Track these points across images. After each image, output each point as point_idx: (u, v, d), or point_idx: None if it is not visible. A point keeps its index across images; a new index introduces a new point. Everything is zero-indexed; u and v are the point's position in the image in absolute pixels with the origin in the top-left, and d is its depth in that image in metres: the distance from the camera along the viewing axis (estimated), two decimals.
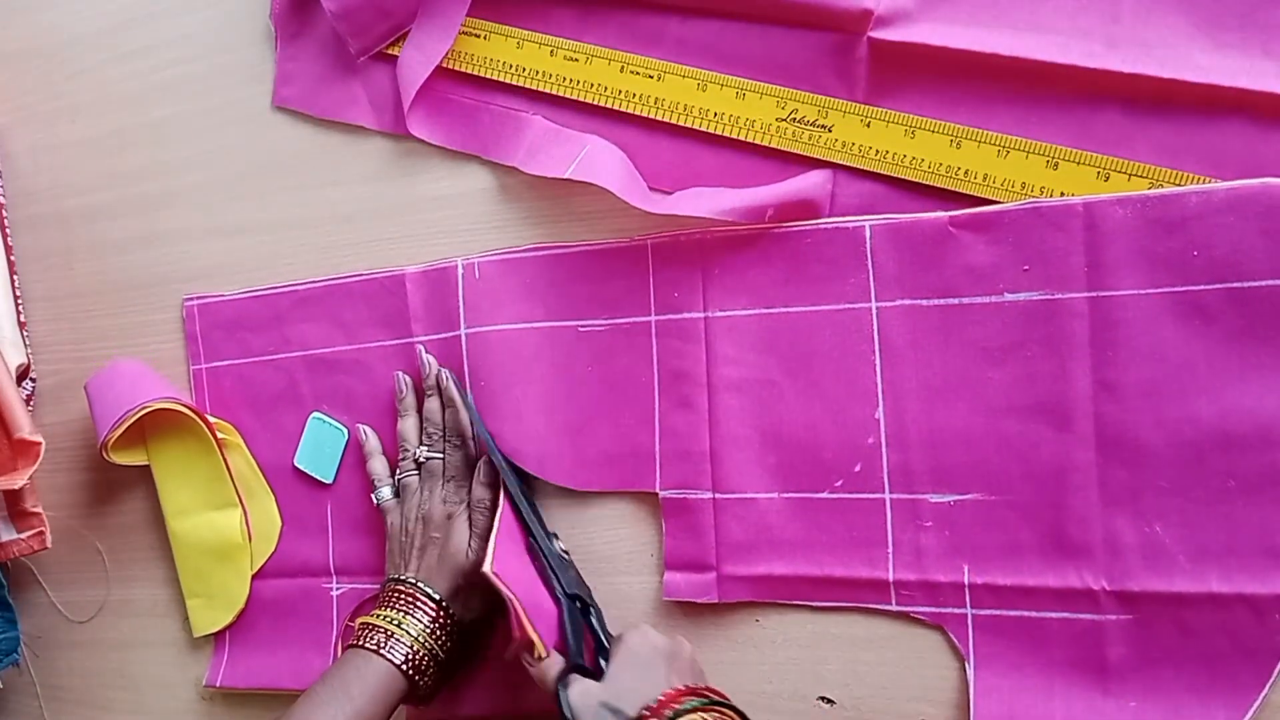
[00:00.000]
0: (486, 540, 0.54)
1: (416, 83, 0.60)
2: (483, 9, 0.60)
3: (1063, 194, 0.50)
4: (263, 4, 0.65)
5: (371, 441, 0.62)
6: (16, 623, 0.70)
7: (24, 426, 0.62)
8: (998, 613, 0.51)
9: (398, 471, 0.60)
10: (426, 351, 0.60)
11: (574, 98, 0.58)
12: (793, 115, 0.54)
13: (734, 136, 0.55)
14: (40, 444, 0.62)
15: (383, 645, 0.53)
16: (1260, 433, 0.47)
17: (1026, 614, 0.51)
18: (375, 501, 0.60)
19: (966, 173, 0.52)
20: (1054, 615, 0.50)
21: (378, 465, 0.61)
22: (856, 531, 0.53)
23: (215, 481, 0.65)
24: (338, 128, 0.64)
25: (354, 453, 0.64)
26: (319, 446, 0.64)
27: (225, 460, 0.65)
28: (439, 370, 0.60)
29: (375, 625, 0.54)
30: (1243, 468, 0.47)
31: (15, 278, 0.72)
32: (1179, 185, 0.48)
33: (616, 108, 0.57)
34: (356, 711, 0.51)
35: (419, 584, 0.55)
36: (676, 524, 0.56)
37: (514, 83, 0.59)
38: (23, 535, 0.65)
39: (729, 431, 0.55)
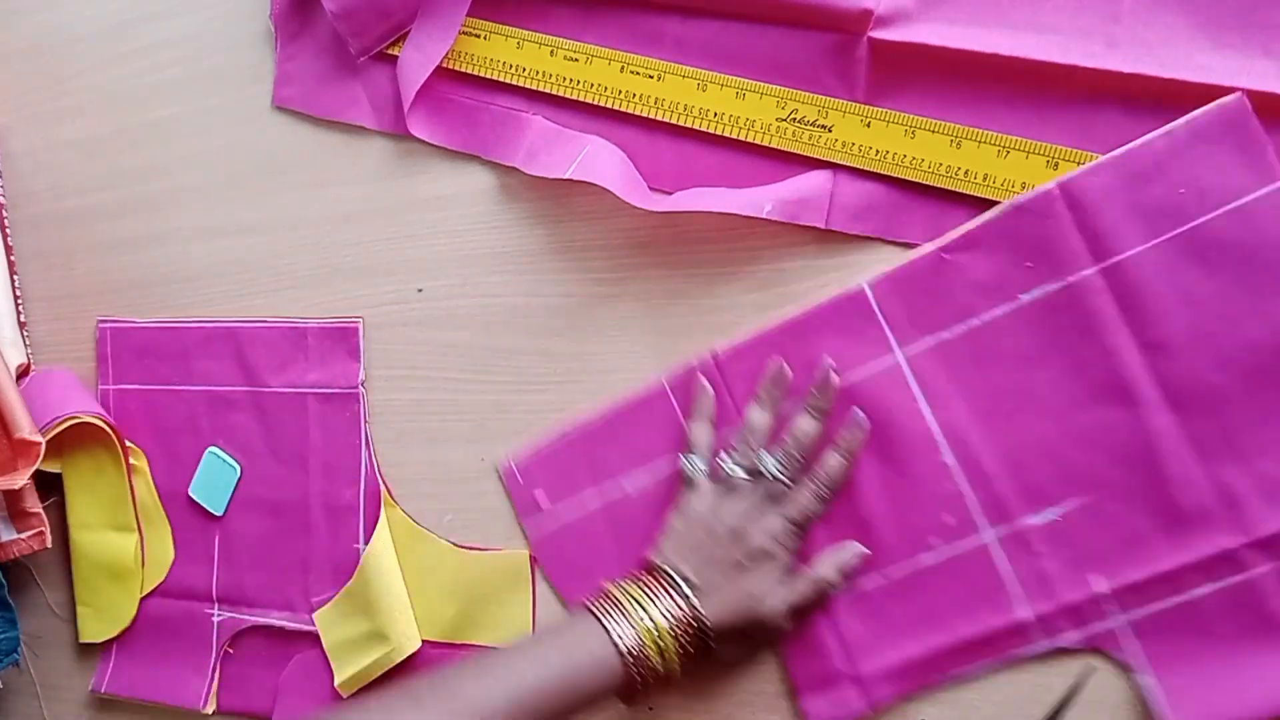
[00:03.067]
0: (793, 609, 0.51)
1: (416, 83, 0.59)
2: (483, 9, 0.60)
3: None
4: (263, 4, 0.65)
5: (706, 403, 0.55)
6: (16, 623, 0.70)
7: (24, 426, 0.62)
8: (1148, 610, 0.49)
9: (725, 457, 0.53)
10: (835, 371, 0.53)
11: (574, 98, 0.58)
12: (793, 115, 0.54)
13: (734, 136, 0.55)
14: (40, 444, 0.62)
15: (609, 615, 0.49)
16: None
17: (1176, 600, 0.48)
18: (683, 467, 0.54)
19: (966, 173, 0.51)
20: (1204, 590, 0.48)
21: (701, 433, 0.55)
22: (974, 584, 0.51)
23: (119, 504, 0.68)
24: (338, 128, 0.64)
25: (244, 488, 0.66)
26: (212, 479, 0.67)
27: (132, 486, 0.67)
28: (830, 379, 0.53)
29: (616, 601, 0.50)
30: None
31: (15, 278, 0.72)
32: None
33: (616, 108, 0.57)
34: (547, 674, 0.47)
35: (693, 596, 0.50)
36: (792, 644, 0.54)
37: (514, 83, 0.59)
38: (23, 535, 0.65)
39: (812, 530, 0.53)
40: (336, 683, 0.63)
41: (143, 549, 0.68)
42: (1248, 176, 0.47)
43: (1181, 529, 0.48)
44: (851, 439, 0.52)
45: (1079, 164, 0.50)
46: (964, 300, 0.51)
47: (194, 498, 0.68)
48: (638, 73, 0.57)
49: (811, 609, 0.53)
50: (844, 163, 0.53)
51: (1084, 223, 0.49)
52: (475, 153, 0.61)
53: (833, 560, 0.52)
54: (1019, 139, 0.51)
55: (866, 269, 0.54)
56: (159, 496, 0.69)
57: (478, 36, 0.60)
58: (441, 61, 0.60)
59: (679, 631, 0.50)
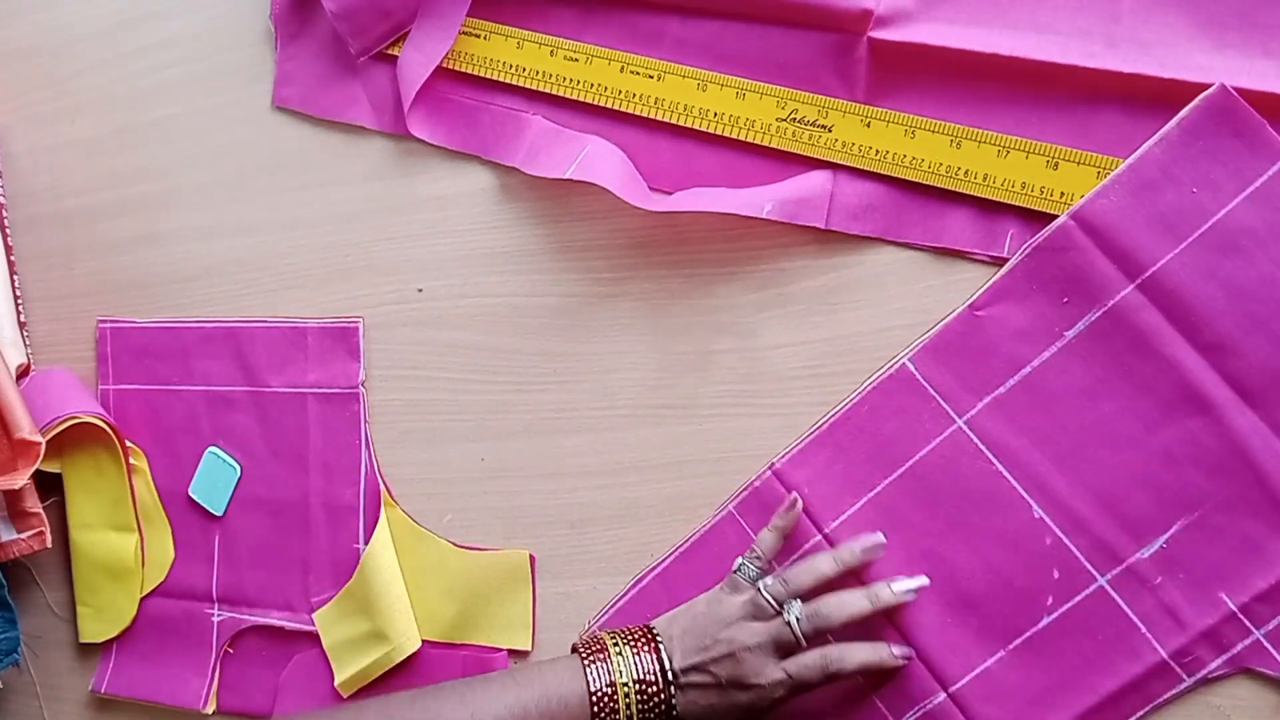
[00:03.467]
0: None
1: (416, 83, 0.60)
2: (483, 9, 0.60)
3: (1062, 194, 0.50)
4: (263, 4, 0.65)
5: (787, 518, 0.54)
6: (16, 623, 0.70)
7: (24, 426, 0.62)
8: None
9: (769, 579, 0.52)
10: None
11: (574, 98, 0.58)
12: (793, 115, 0.54)
13: (734, 136, 0.55)
14: (40, 444, 0.62)
15: (590, 659, 0.51)
16: None
17: None
18: (740, 569, 0.53)
19: (966, 173, 0.51)
20: None
21: (767, 541, 0.53)
22: (1101, 634, 0.49)
23: (119, 504, 0.68)
24: (338, 128, 0.64)
25: (244, 488, 0.66)
26: (212, 479, 0.67)
27: (132, 486, 0.67)
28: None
29: (603, 643, 0.52)
30: None
31: (15, 278, 0.72)
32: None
33: (616, 108, 0.57)
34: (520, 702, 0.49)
35: (672, 685, 0.50)
36: None
37: (514, 83, 0.59)
38: (23, 535, 0.65)
39: (919, 623, 0.52)
40: (336, 683, 0.63)
41: (143, 549, 0.68)
42: (1255, 159, 0.46)
43: None
44: (881, 648, 0.51)
45: (1079, 164, 0.50)
46: (1009, 352, 0.51)
47: (194, 498, 0.67)
48: (638, 73, 0.57)
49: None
50: (844, 163, 0.53)
51: (1108, 246, 0.49)
52: (475, 153, 0.61)
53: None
54: (1019, 139, 0.51)
55: (866, 269, 0.54)
56: (159, 496, 0.68)
57: (478, 36, 0.60)
58: (441, 61, 0.60)
59: (646, 698, 0.50)
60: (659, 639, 0.52)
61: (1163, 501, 0.49)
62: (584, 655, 0.52)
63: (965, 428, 0.52)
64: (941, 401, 0.52)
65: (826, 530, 0.54)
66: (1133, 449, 0.49)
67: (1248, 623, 0.48)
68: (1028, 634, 0.51)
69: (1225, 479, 0.48)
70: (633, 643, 0.52)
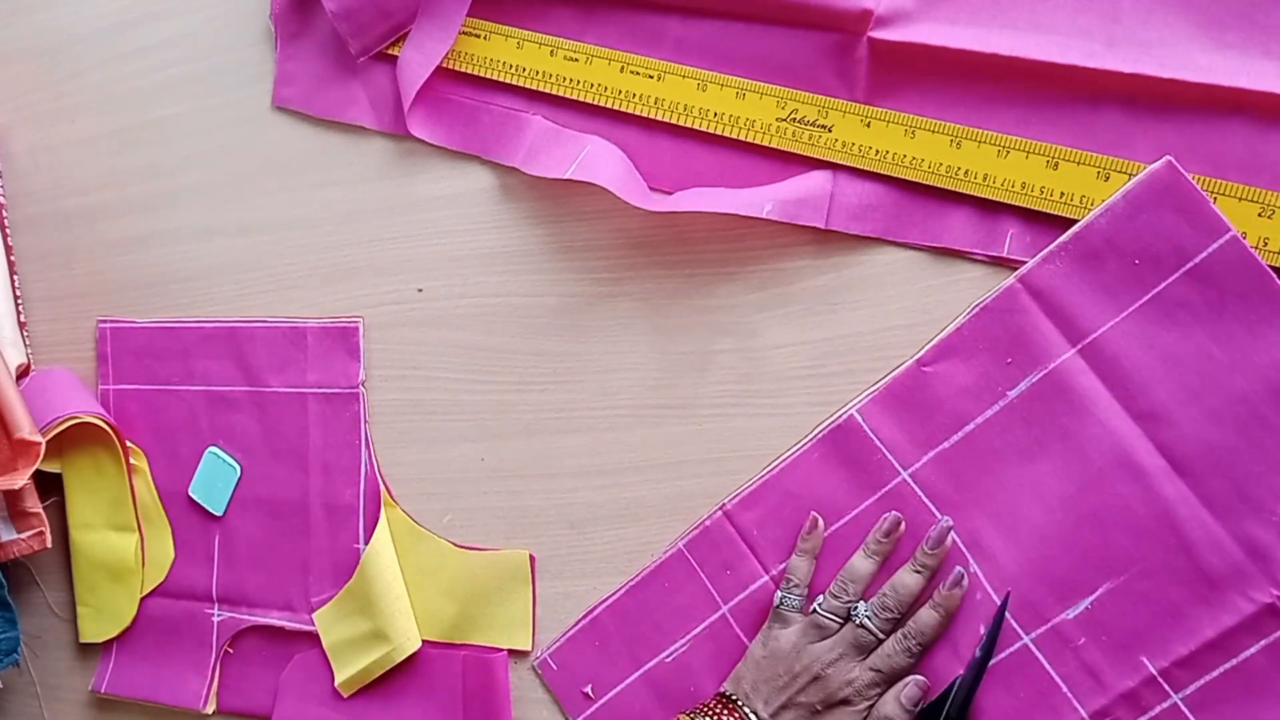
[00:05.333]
0: None
1: (416, 83, 0.60)
2: (483, 9, 0.60)
3: (1062, 194, 0.50)
4: (263, 4, 0.65)
5: (813, 539, 0.54)
6: (16, 623, 0.70)
7: (24, 426, 0.62)
8: (1202, 681, 0.48)
9: (820, 599, 0.52)
10: (953, 532, 0.52)
11: (574, 98, 0.58)
12: (793, 115, 0.54)
13: (734, 136, 0.55)
14: (40, 444, 0.62)
15: None
16: None
17: (1226, 665, 0.48)
18: (777, 599, 0.53)
19: (966, 173, 0.51)
20: (1251, 650, 0.47)
21: (801, 567, 0.53)
22: (1024, 692, 0.50)
23: (119, 504, 0.68)
24: (338, 128, 0.64)
25: (244, 488, 0.66)
26: (212, 479, 0.67)
27: (132, 486, 0.67)
28: (945, 540, 0.51)
29: None
30: None
31: (15, 278, 0.72)
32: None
33: (616, 108, 0.57)
34: None
35: (765, 717, 0.51)
36: None
37: (514, 83, 0.59)
38: (23, 535, 0.65)
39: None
40: (337, 683, 0.63)
41: (143, 549, 0.68)
42: (1196, 235, 0.47)
43: (1216, 592, 0.48)
44: (950, 597, 0.51)
45: (1079, 164, 0.50)
46: (954, 408, 0.52)
47: (194, 498, 0.67)
48: (638, 73, 0.57)
49: None
50: (844, 163, 0.53)
51: (1051, 309, 0.50)
52: (475, 153, 0.61)
53: (893, 695, 0.51)
54: (1019, 139, 0.51)
55: (866, 269, 0.54)
56: (159, 496, 0.68)
57: (478, 36, 0.60)
58: (441, 61, 0.60)
59: None
60: (735, 700, 0.52)
61: (1090, 563, 0.49)
62: None
63: (909, 480, 0.52)
64: (887, 453, 0.53)
65: (773, 573, 0.55)
66: (1064, 510, 0.50)
67: (1167, 686, 0.48)
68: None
69: (1150, 545, 0.49)
70: (713, 715, 0.52)
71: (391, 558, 0.62)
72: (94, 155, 0.70)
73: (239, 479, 0.66)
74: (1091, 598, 0.49)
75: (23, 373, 0.71)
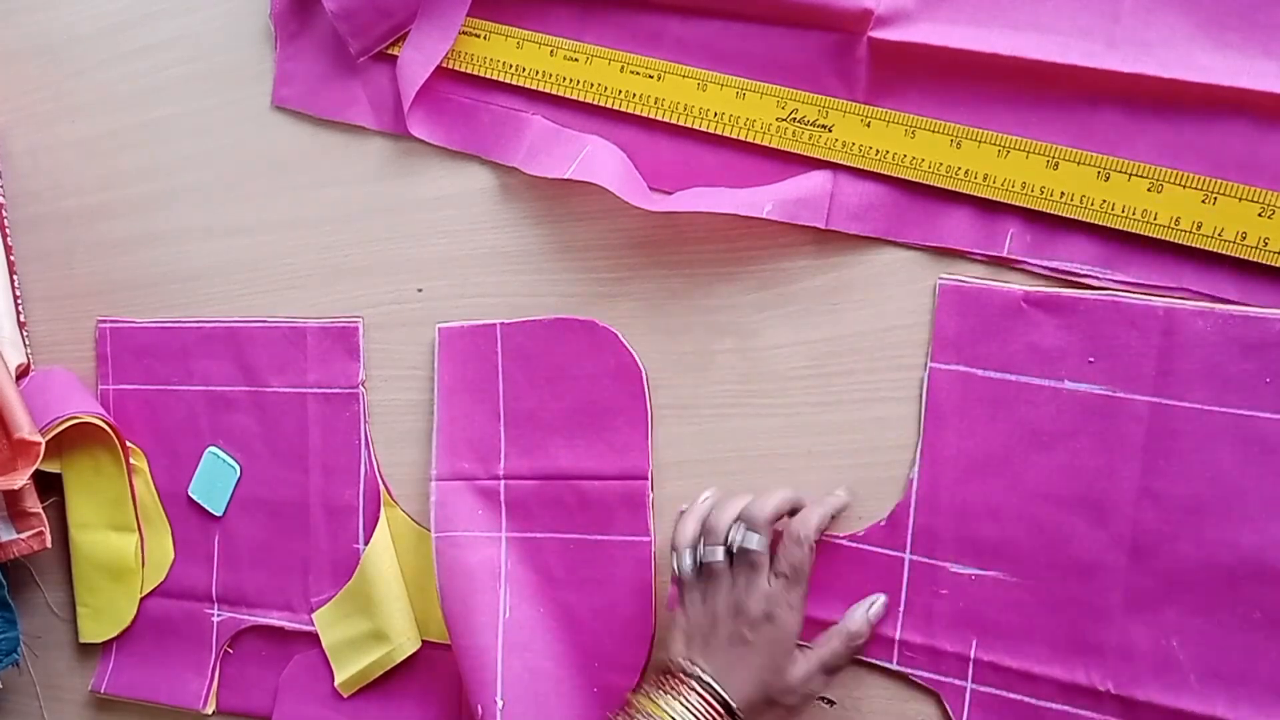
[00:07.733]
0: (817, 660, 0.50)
1: (416, 83, 0.60)
2: (483, 9, 0.60)
3: (1063, 194, 0.50)
4: (263, 4, 0.65)
5: (701, 506, 0.54)
6: (16, 623, 0.70)
7: (24, 426, 0.62)
8: (997, 693, 0.50)
9: (699, 548, 0.52)
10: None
11: (574, 98, 0.58)
12: (793, 115, 0.54)
13: (734, 136, 0.55)
14: (40, 444, 0.62)
15: None
16: None
17: (1026, 699, 0.50)
18: (675, 570, 0.53)
19: (966, 173, 0.51)
20: (1054, 706, 0.49)
21: (689, 527, 0.53)
22: (870, 584, 0.53)
23: (119, 504, 0.68)
24: (338, 128, 0.64)
25: (244, 489, 0.66)
26: (212, 479, 0.67)
27: (132, 486, 0.68)
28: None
29: (639, 710, 0.49)
30: (1273, 602, 0.46)
31: (15, 278, 0.72)
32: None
33: (616, 108, 0.57)
34: None
35: (713, 683, 0.49)
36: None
37: (514, 83, 0.59)
38: (23, 535, 0.65)
39: None
40: (337, 683, 0.63)
41: (142, 549, 0.68)
42: None
43: (1070, 649, 0.49)
44: (826, 504, 0.52)
45: (1079, 164, 0.50)
46: (1014, 353, 0.51)
47: (194, 498, 0.68)
48: (638, 73, 0.57)
49: (845, 664, 0.52)
50: (844, 163, 0.53)
51: (1166, 354, 0.48)
52: (475, 153, 0.61)
53: (860, 612, 0.52)
54: (1019, 139, 0.51)
55: (866, 269, 0.54)
56: (159, 496, 0.69)
57: (478, 36, 0.60)
58: (441, 61, 0.60)
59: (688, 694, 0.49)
60: (678, 663, 0.51)
61: (1002, 550, 0.50)
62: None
63: (926, 371, 0.52)
64: (930, 334, 0.53)
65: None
66: (1021, 498, 0.50)
67: (970, 671, 0.51)
68: (827, 539, 0.53)
69: (1058, 578, 0.50)
70: (668, 689, 0.50)
71: (391, 558, 0.62)
72: (94, 155, 0.70)
73: (239, 479, 0.66)
74: (979, 572, 0.51)
75: (23, 373, 0.71)
